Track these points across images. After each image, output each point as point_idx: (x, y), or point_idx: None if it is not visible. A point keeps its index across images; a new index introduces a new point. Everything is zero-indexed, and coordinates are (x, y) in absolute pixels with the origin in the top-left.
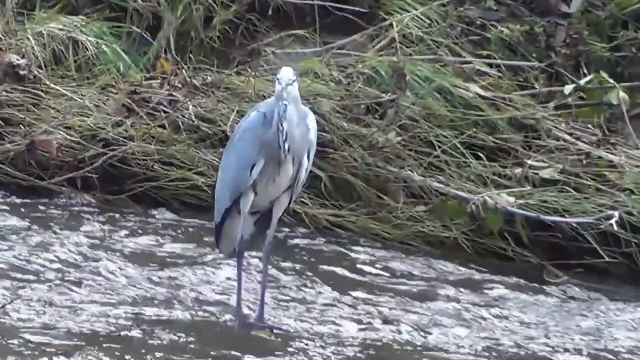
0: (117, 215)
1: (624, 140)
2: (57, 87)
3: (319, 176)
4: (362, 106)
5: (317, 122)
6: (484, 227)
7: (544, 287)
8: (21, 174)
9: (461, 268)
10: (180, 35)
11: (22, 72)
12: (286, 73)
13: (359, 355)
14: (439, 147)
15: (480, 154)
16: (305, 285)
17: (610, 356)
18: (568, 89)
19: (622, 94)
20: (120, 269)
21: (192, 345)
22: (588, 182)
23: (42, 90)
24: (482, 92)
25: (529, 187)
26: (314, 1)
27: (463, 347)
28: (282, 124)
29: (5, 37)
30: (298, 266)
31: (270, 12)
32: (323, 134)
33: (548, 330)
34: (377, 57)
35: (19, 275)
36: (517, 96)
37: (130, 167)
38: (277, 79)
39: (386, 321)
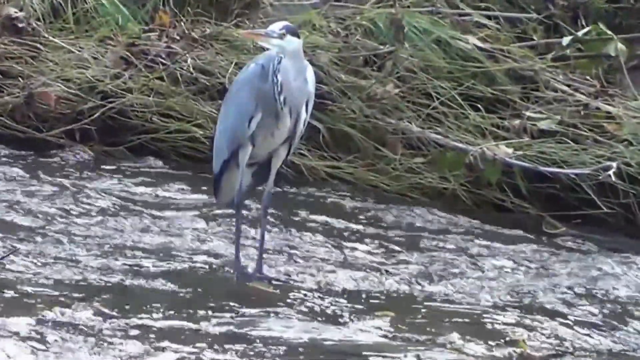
0: (115, 167)
1: (622, 92)
2: (55, 39)
3: (318, 128)
4: (360, 58)
5: (316, 74)
6: (482, 178)
7: (542, 238)
8: (19, 126)
9: (459, 219)
10: None
11: (20, 25)
12: (274, 26)
13: (358, 306)
14: (437, 98)
15: (479, 106)
16: (304, 237)
17: (608, 305)
18: (566, 40)
19: (620, 46)
20: (119, 220)
21: (191, 297)
22: (586, 134)
23: (40, 43)
24: (480, 44)
25: (527, 139)
26: None
27: (461, 297)
28: (276, 76)
29: None
30: (297, 218)
31: None
32: (321, 85)
33: (546, 281)
34: (375, 9)
35: (16, 227)
36: (516, 48)
37: (128, 119)
38: (266, 32)
39: (385, 272)
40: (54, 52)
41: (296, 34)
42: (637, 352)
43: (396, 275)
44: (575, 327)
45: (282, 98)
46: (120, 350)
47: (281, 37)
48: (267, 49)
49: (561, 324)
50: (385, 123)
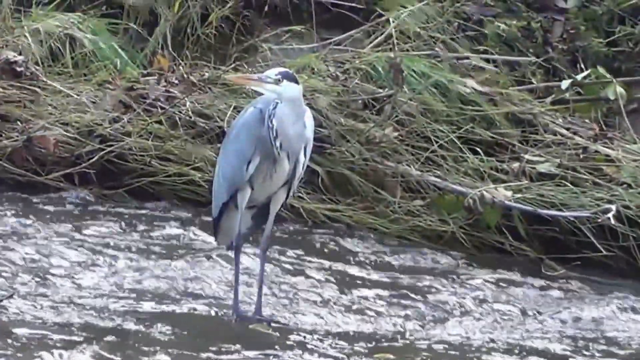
0: (114, 211)
1: (621, 135)
2: (54, 83)
3: (317, 171)
4: (359, 102)
5: (314, 117)
6: (481, 221)
7: (542, 280)
8: (18, 170)
9: (459, 262)
10: (177, 31)
11: (19, 69)
12: (270, 71)
13: (356, 348)
14: (436, 142)
15: (478, 149)
16: (303, 279)
17: (608, 347)
18: (565, 84)
19: (619, 89)
20: (118, 263)
21: (190, 339)
22: (585, 176)
23: (39, 87)
24: (479, 88)
25: (526, 182)
26: None
27: (460, 340)
28: (271, 122)
29: (2, 34)
30: (295, 260)
31: (266, 8)
32: (320, 129)
33: (546, 324)
34: (374, 52)
35: (15, 270)
36: (515, 91)
37: (127, 162)
38: (260, 77)
39: (383, 315)
40: (52, 96)
41: (294, 80)
42: None
43: (395, 318)
44: None
45: (278, 143)
46: None
47: (277, 82)
48: (261, 94)
49: None
50: (384, 166)
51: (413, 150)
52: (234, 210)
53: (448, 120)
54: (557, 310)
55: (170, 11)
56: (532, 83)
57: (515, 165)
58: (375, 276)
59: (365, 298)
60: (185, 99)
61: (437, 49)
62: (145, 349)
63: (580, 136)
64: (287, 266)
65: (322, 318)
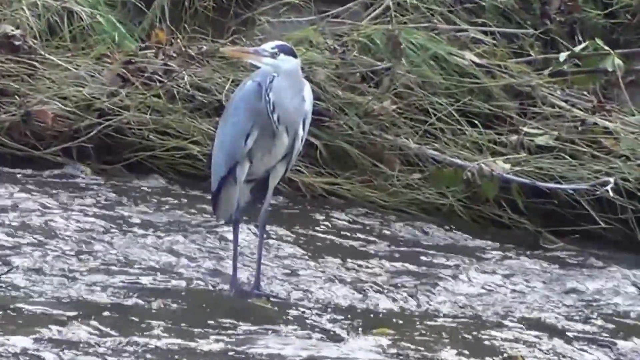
0: (112, 185)
1: (620, 107)
2: (52, 57)
3: (315, 144)
4: (358, 74)
5: (313, 90)
6: (479, 194)
7: (540, 253)
8: (16, 144)
9: (457, 235)
10: (175, 4)
11: (17, 43)
12: (266, 45)
13: (355, 322)
14: (435, 114)
15: (476, 122)
16: (302, 253)
17: (607, 319)
18: (563, 56)
19: (617, 61)
20: (116, 237)
21: (188, 314)
22: (583, 149)
23: (37, 61)
24: (477, 60)
25: (524, 154)
26: None
27: (459, 314)
28: (268, 95)
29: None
30: (294, 234)
31: None
32: (318, 102)
33: (544, 296)
34: (372, 25)
35: (14, 245)
36: (513, 63)
37: (125, 136)
38: (256, 50)
39: (383, 288)
40: (50, 70)
41: (292, 53)
42: None
43: (394, 292)
44: (574, 343)
45: (275, 116)
46: None
47: (273, 56)
48: (258, 67)
49: (560, 339)
50: (382, 139)
51: (411, 123)
52: (233, 184)
53: (446, 93)
54: (555, 282)
55: None
56: (530, 55)
57: (514, 137)
58: (373, 250)
59: (364, 272)
60: (184, 72)
61: (434, 21)
62: (144, 323)
63: (579, 108)
64: (286, 240)
65: (321, 293)
